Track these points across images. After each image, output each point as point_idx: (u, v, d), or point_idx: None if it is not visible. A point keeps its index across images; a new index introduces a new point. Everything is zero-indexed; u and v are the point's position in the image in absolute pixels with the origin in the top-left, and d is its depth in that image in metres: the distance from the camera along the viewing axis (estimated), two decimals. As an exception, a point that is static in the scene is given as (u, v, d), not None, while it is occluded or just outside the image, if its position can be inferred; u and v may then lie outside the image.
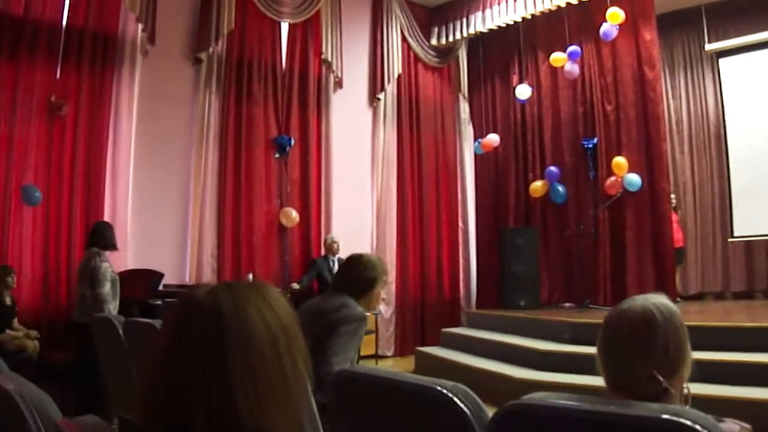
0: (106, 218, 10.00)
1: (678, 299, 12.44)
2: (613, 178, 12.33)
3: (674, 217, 12.81)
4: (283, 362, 1.47)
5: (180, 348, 1.44)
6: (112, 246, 8.30)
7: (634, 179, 12.08)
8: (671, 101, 14.71)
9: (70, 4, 10.21)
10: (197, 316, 1.45)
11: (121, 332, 5.56)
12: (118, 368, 5.64)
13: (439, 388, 2.03)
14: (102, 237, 8.21)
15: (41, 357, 8.45)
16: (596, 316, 10.26)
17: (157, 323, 4.90)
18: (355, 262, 4.72)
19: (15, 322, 8.65)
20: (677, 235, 12.80)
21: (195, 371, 1.41)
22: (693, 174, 14.44)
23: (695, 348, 6.56)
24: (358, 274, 4.63)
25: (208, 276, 11.20)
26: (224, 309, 1.45)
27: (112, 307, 7.87)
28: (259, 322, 1.46)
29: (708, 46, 13.96)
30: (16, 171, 9.45)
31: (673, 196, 12.98)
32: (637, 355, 2.17)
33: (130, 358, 5.40)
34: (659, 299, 2.26)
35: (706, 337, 7.78)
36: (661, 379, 2.13)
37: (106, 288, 7.88)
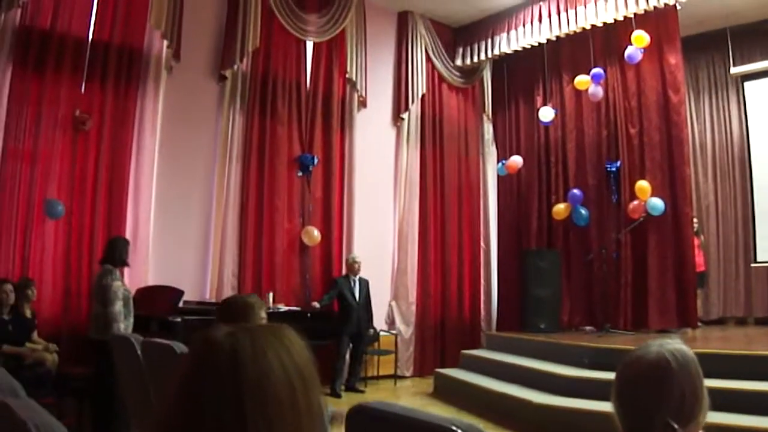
0: (128, 233, 10.07)
1: (699, 324, 12.40)
2: (636, 202, 12.28)
3: (696, 242, 12.76)
4: (299, 408, 1.45)
5: (196, 389, 1.43)
6: (123, 262, 8.29)
7: (657, 203, 12.02)
8: (695, 125, 14.71)
9: (96, 19, 10.31)
10: (215, 358, 1.43)
11: (139, 352, 5.55)
12: (136, 387, 5.64)
13: (454, 428, 1.99)
14: (114, 253, 8.21)
15: (60, 371, 8.44)
16: (617, 341, 10.25)
17: (176, 345, 4.90)
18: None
19: (35, 334, 8.65)
20: (699, 259, 12.77)
21: (210, 414, 1.39)
22: (716, 198, 14.42)
23: (716, 376, 6.49)
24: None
25: (229, 293, 11.11)
26: (242, 353, 1.43)
27: (123, 326, 7.81)
28: (278, 367, 1.44)
29: (733, 70, 13.96)
30: (40, 184, 9.51)
31: (695, 220, 12.95)
32: (653, 403, 2.13)
33: (148, 378, 5.39)
34: (674, 345, 2.22)
35: (728, 366, 7.74)
36: (676, 426, 2.10)
37: (117, 307, 7.83)
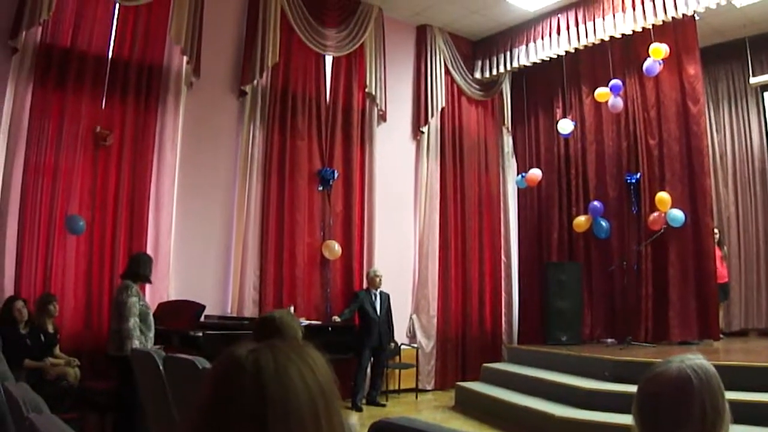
0: (149, 248, 10.13)
1: (721, 336, 12.35)
2: (656, 214, 12.23)
3: (718, 253, 12.71)
4: (321, 426, 1.46)
5: (220, 406, 1.44)
6: (143, 278, 8.36)
7: (678, 215, 11.98)
8: (715, 135, 14.67)
9: (116, 35, 10.40)
10: (239, 375, 1.44)
11: (161, 367, 5.57)
12: (158, 403, 5.65)
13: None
14: (137, 268, 8.27)
15: (82, 385, 8.48)
16: (638, 354, 10.21)
17: (198, 361, 4.91)
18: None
19: (57, 349, 8.72)
20: (721, 270, 12.70)
21: (235, 429, 1.40)
22: (737, 209, 14.37)
23: (739, 389, 6.48)
24: None
25: (250, 308, 11.22)
26: (266, 370, 1.43)
27: (137, 342, 7.83)
28: (300, 384, 1.44)
29: (752, 80, 13.90)
30: (61, 200, 9.58)
31: (716, 231, 12.88)
32: (674, 418, 2.11)
33: (170, 393, 5.41)
34: (696, 360, 2.20)
35: (750, 378, 7.71)
36: None
37: (130, 323, 7.86)
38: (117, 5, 10.35)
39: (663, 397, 2.15)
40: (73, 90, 9.83)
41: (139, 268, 8.29)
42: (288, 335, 3.85)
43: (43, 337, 8.48)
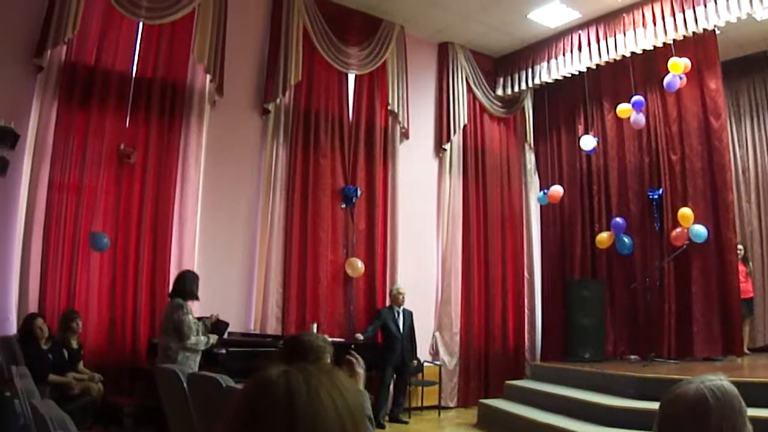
0: (173, 265, 10.25)
1: (747, 352, 12.29)
2: (679, 230, 12.20)
3: (743, 268, 12.63)
4: None
5: (249, 427, 1.45)
6: (192, 296, 8.40)
7: (700, 231, 11.93)
8: (737, 149, 14.63)
9: (140, 54, 10.51)
10: (270, 397, 1.45)
11: (185, 385, 5.59)
12: (182, 420, 5.68)
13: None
14: (185, 286, 8.37)
15: (105, 401, 8.53)
16: (661, 371, 10.16)
17: (222, 379, 4.94)
18: None
19: (81, 365, 8.79)
20: (746, 286, 12.61)
21: None
22: (760, 223, 14.28)
23: (763, 405, 6.43)
24: None
25: (273, 325, 11.24)
26: (296, 392, 1.45)
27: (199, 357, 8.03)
28: (331, 407, 1.45)
29: (773, 92, 13.89)
30: (85, 217, 9.68)
31: (741, 246, 12.80)
32: None
33: (194, 410, 5.43)
34: (715, 382, 2.20)
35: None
36: None
37: (193, 339, 8.07)
38: (141, 24, 10.45)
39: (680, 418, 2.16)
40: (98, 108, 9.94)
41: (187, 285, 8.39)
42: (314, 357, 3.83)
43: (66, 353, 8.55)
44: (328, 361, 3.85)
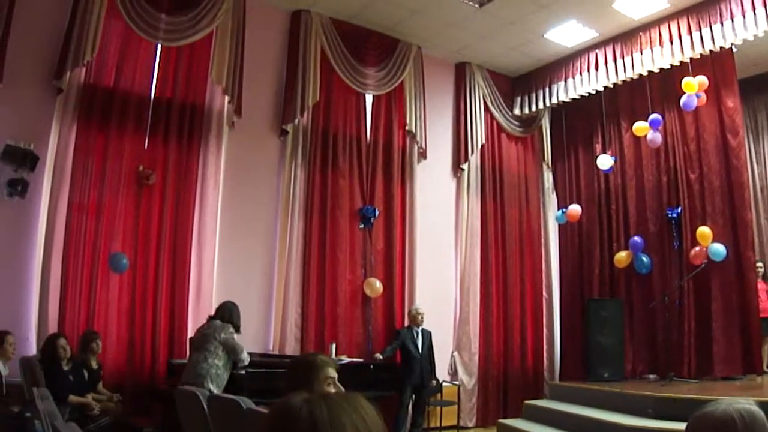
0: (191, 286, 10.37)
1: (766, 370, 12.23)
2: (697, 248, 12.15)
3: (763, 286, 12.60)
4: None
5: None
6: (236, 328, 8.46)
7: (719, 249, 11.89)
8: (756, 167, 14.60)
9: (158, 75, 10.60)
10: (293, 425, 1.48)
11: (205, 406, 5.61)
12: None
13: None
14: (229, 318, 8.47)
15: (125, 421, 8.55)
16: (681, 390, 10.12)
17: (242, 401, 4.96)
18: None
19: (100, 385, 8.83)
20: (766, 304, 12.55)
21: None
22: (779, 241, 14.26)
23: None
24: None
25: (292, 345, 11.24)
26: (320, 421, 1.47)
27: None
28: None
29: (790, 111, 13.89)
30: (105, 238, 9.75)
31: (760, 264, 12.79)
32: None
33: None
34: (743, 405, 2.22)
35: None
36: None
37: (244, 355, 8.34)
38: (159, 46, 10.54)
39: None
40: (117, 129, 10.05)
41: (233, 316, 8.51)
42: (317, 377, 3.88)
43: (86, 374, 8.58)
44: (332, 373, 3.89)
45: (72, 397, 8.10)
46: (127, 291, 9.91)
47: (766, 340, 12.54)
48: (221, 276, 10.73)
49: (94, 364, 8.80)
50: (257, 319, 11.11)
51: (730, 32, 10.99)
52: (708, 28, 11.31)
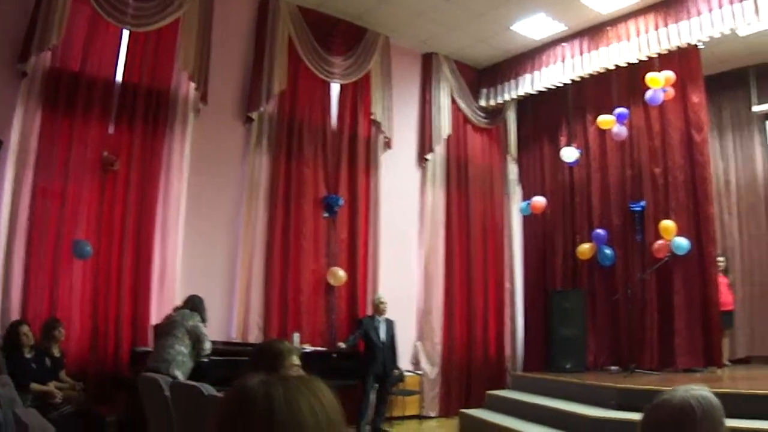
0: (155, 274, 10.28)
1: (727, 363, 12.37)
2: (660, 242, 12.23)
3: (724, 280, 12.73)
4: None
5: None
6: (202, 318, 8.57)
7: (682, 243, 11.98)
8: (720, 163, 14.71)
9: (125, 61, 10.47)
10: (250, 405, 1.47)
11: (167, 393, 5.59)
12: (165, 429, 5.67)
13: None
14: (196, 307, 8.60)
15: (87, 409, 8.49)
16: (642, 382, 10.18)
17: (204, 387, 4.94)
18: None
19: (63, 373, 8.73)
20: (727, 298, 12.69)
21: None
22: (741, 236, 14.41)
23: (743, 416, 6.51)
24: None
25: (255, 334, 11.22)
26: (276, 402, 1.47)
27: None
28: (309, 415, 1.48)
29: (755, 108, 14.01)
30: (68, 225, 9.63)
31: (722, 258, 12.90)
32: None
33: (177, 419, 5.43)
34: (700, 392, 2.26)
35: (753, 405, 7.72)
36: None
37: (208, 344, 8.38)
38: (126, 31, 10.43)
39: (665, 425, 2.20)
40: (82, 115, 9.91)
41: (200, 308, 8.63)
42: (282, 364, 3.89)
43: (49, 361, 8.50)
44: (296, 362, 3.91)
45: (34, 385, 8.02)
46: (90, 278, 9.79)
47: (726, 333, 12.68)
48: (185, 264, 10.67)
49: (57, 352, 8.71)
50: (220, 307, 11.03)
51: (697, 29, 11.13)
52: (675, 25, 11.44)
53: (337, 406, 1.57)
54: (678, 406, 2.21)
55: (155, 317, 9.78)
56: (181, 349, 8.02)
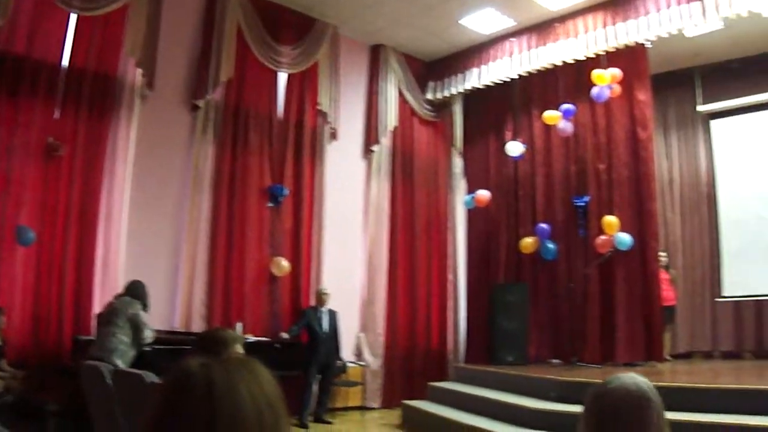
0: (98, 261, 10.13)
1: (669, 358, 12.56)
2: (603, 237, 12.34)
3: (666, 276, 12.91)
4: None
5: (170, 419, 1.47)
6: (144, 306, 8.54)
7: (625, 238, 12.10)
8: (664, 161, 14.91)
9: (72, 45, 10.28)
10: (190, 388, 1.48)
11: (109, 381, 5.56)
12: (107, 417, 5.64)
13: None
14: (137, 294, 8.54)
15: (28, 399, 8.40)
16: (584, 375, 10.29)
17: (146, 374, 4.92)
18: None
19: (3, 362, 8.63)
20: (668, 293, 12.90)
21: None
22: (683, 233, 14.64)
23: (681, 409, 6.62)
24: None
25: (198, 323, 11.14)
26: (216, 383, 1.47)
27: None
28: (249, 398, 1.49)
29: (699, 108, 14.20)
30: (11, 210, 9.45)
31: (664, 254, 13.10)
32: (638, 428, 2.23)
33: (118, 406, 5.40)
34: (642, 377, 2.35)
35: (692, 398, 7.84)
36: None
37: (147, 332, 8.27)
38: (74, 15, 10.28)
39: (621, 409, 2.25)
40: (27, 99, 9.70)
41: (141, 294, 8.57)
42: (227, 352, 3.92)
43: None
44: (240, 350, 3.95)
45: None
46: (32, 265, 9.62)
47: (668, 328, 12.87)
48: (129, 252, 10.56)
49: (-2, 340, 8.63)
50: (164, 296, 10.96)
51: (645, 28, 11.27)
52: (623, 23, 11.57)
53: (277, 388, 1.58)
54: (635, 390, 2.28)
55: (98, 305, 9.65)
56: (123, 338, 7.97)
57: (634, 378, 2.33)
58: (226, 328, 4.61)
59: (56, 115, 10.10)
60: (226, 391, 1.47)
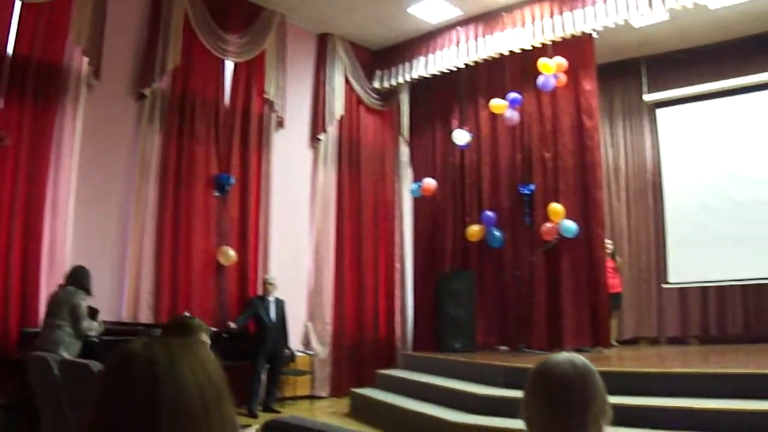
0: (44, 252, 9.98)
1: (615, 344, 12.70)
2: (549, 224, 12.45)
3: (611, 264, 13.05)
4: (212, 420, 1.51)
5: (114, 398, 1.48)
6: (87, 291, 8.52)
7: (570, 226, 12.23)
8: (610, 149, 15.08)
9: (17, 32, 10.11)
10: (133, 369, 1.49)
11: (56, 371, 5.52)
12: (54, 408, 5.61)
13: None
14: (79, 280, 8.52)
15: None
16: (530, 361, 10.31)
17: (92, 364, 4.89)
18: None
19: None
20: (614, 280, 13.08)
21: (127, 424, 1.45)
22: (629, 221, 14.84)
23: (627, 393, 6.73)
24: None
25: (145, 313, 11.07)
26: (160, 364, 1.49)
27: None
28: (192, 379, 1.50)
29: (646, 97, 14.36)
30: (-45, 202, 9.34)
31: (610, 242, 13.24)
32: (584, 400, 2.32)
33: (65, 397, 5.37)
34: (579, 355, 2.47)
35: (638, 383, 7.97)
36: (602, 420, 2.33)
37: (86, 323, 8.24)
38: (18, 1, 10.12)
39: (575, 383, 2.35)
40: (-30, 89, 9.59)
41: (83, 280, 8.55)
42: (194, 337, 3.95)
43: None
44: (205, 338, 3.98)
45: None
46: (-23, 256, 9.55)
47: (614, 314, 13.05)
48: (75, 243, 10.44)
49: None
50: (110, 287, 10.88)
51: (591, 18, 11.38)
52: (570, 13, 11.67)
53: (220, 369, 1.61)
54: (580, 365, 2.39)
55: (45, 297, 9.56)
56: (67, 329, 7.98)
57: (572, 356, 2.44)
58: (193, 317, 4.62)
59: (0, 104, 9.95)
60: (169, 369, 1.49)
